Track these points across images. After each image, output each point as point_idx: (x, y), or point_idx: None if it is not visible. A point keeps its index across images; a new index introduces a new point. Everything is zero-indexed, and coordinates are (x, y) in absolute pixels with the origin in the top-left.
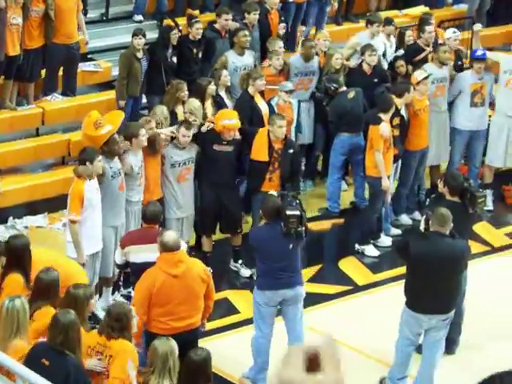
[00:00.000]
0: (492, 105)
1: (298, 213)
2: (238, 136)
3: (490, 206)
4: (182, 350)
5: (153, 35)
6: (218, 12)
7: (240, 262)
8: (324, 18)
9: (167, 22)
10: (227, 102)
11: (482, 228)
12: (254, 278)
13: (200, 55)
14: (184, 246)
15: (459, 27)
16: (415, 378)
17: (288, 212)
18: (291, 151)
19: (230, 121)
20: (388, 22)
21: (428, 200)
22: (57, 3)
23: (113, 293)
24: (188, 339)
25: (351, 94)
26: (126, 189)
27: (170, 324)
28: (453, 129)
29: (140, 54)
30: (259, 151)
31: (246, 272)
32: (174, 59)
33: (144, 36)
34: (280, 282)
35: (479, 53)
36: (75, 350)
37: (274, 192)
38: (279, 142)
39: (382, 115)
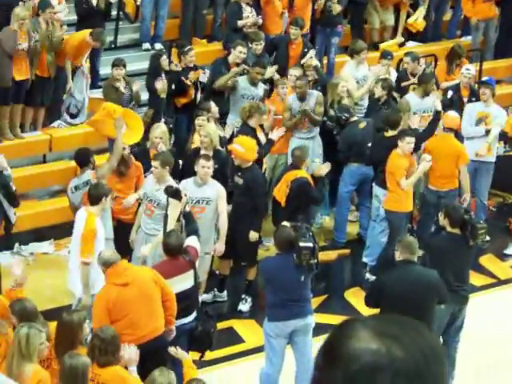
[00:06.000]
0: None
1: (311, 245)
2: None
3: None
4: (151, 359)
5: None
6: (234, 44)
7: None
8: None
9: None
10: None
11: (487, 260)
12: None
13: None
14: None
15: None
16: None
17: (301, 244)
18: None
19: (235, 145)
20: (385, 55)
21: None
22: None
23: None
24: (156, 347)
25: (362, 124)
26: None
27: (135, 334)
28: None
29: (120, 84)
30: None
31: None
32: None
33: (124, 66)
34: (291, 312)
35: (484, 78)
36: None
37: (287, 223)
38: None
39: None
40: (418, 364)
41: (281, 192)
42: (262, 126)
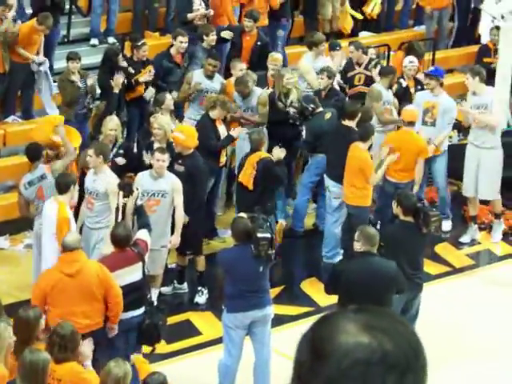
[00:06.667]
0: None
1: (268, 235)
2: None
3: (476, 237)
4: None
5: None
6: (174, 35)
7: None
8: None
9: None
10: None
11: (443, 249)
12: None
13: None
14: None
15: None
16: None
17: (259, 235)
18: None
19: (176, 133)
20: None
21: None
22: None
23: None
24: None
25: (328, 115)
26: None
27: None
28: None
29: (76, 78)
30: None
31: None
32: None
33: (79, 60)
34: (250, 303)
35: (430, 69)
36: None
37: (244, 214)
38: None
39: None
40: (409, 357)
41: (247, 175)
42: (225, 119)
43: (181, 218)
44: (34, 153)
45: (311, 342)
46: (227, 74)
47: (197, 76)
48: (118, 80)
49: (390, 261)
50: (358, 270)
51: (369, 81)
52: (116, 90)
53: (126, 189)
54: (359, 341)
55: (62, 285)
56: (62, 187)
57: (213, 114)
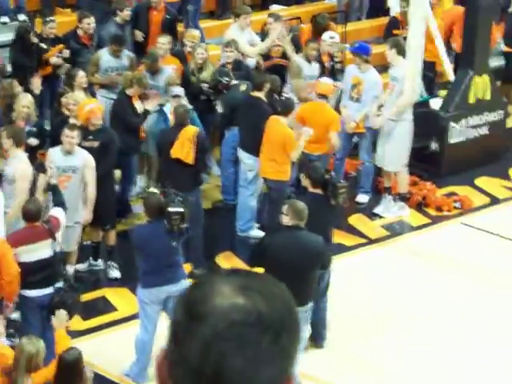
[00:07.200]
0: None
1: (180, 210)
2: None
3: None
4: None
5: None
6: (79, 17)
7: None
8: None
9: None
10: None
11: (357, 220)
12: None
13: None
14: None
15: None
16: None
17: (171, 209)
18: None
19: (91, 105)
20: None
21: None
22: None
23: None
24: None
25: (243, 87)
26: None
27: None
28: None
29: None
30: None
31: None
32: None
33: None
34: (164, 278)
35: (355, 45)
36: None
37: (155, 189)
38: None
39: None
40: (283, 317)
41: (185, 150)
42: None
43: (92, 193)
44: None
45: (187, 304)
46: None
47: (104, 55)
48: (36, 82)
49: (318, 236)
50: (285, 244)
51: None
52: (37, 92)
53: (40, 168)
54: (234, 302)
55: None
56: None
57: (129, 91)
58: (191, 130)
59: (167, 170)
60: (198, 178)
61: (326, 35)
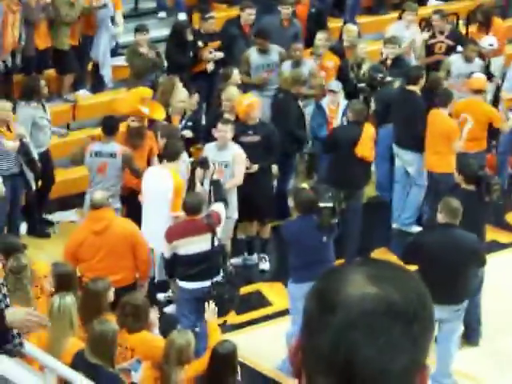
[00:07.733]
0: None
1: (331, 205)
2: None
3: None
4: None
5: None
6: (241, 6)
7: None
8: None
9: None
10: None
11: None
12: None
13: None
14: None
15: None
16: (433, 372)
17: (322, 204)
18: None
19: (250, 99)
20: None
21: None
22: None
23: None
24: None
25: (397, 84)
26: None
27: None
28: None
29: (144, 50)
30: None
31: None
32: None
33: (147, 32)
34: (315, 273)
35: None
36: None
37: (305, 185)
38: None
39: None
40: (415, 307)
41: (368, 148)
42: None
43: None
44: (111, 126)
45: (319, 293)
46: None
47: (252, 53)
48: (194, 99)
49: (472, 234)
50: (441, 242)
51: (450, 50)
52: (193, 108)
53: (203, 164)
54: (366, 291)
55: (89, 242)
56: (172, 155)
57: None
58: (371, 128)
59: (343, 166)
60: (369, 175)
61: (484, 42)
